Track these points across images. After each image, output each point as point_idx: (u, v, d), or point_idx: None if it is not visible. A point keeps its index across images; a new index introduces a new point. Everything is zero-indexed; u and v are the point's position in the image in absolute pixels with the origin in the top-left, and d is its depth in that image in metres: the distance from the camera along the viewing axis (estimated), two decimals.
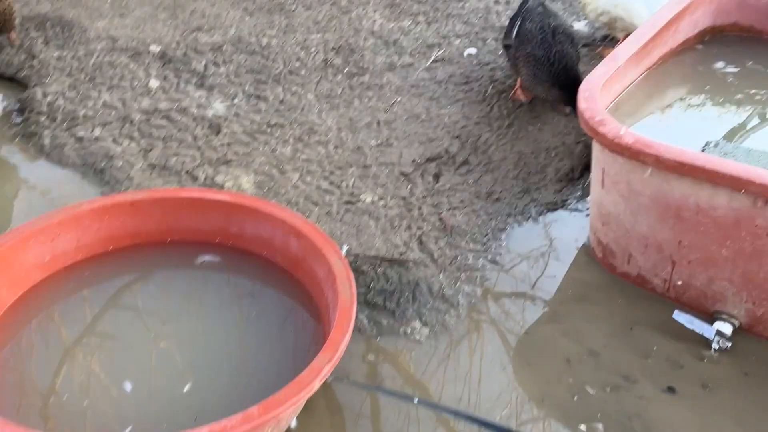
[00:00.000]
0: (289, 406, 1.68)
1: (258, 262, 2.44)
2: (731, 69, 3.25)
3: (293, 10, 4.76)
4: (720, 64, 3.29)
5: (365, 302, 2.55)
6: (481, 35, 4.51)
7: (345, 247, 2.68)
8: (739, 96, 3.06)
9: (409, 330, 2.46)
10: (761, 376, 2.32)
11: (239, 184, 3.06)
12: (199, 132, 3.40)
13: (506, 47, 3.67)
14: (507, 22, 3.78)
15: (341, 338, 1.87)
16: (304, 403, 1.93)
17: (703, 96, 3.09)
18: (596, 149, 2.58)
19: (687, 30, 3.34)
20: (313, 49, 4.22)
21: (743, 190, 2.12)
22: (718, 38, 3.47)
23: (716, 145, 2.60)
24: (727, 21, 3.49)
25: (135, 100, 3.66)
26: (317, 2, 4.90)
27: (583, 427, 2.15)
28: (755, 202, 2.15)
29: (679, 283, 2.54)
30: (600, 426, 2.15)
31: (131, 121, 3.50)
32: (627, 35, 3.07)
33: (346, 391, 2.23)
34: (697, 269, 2.44)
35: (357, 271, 2.62)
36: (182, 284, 2.37)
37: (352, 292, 2.04)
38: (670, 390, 2.28)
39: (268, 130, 3.45)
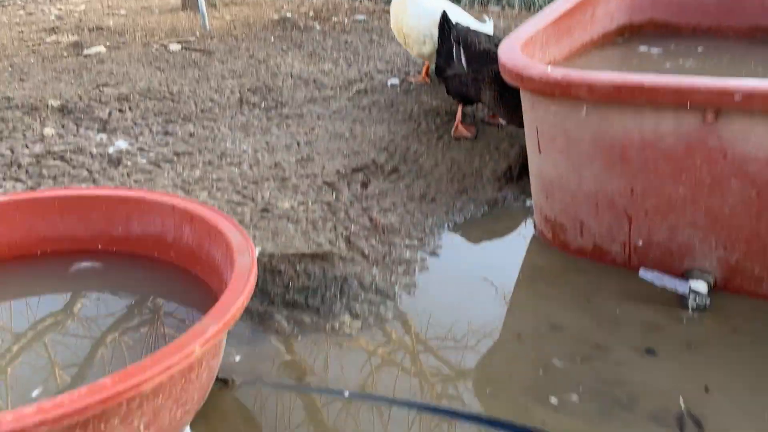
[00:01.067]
0: (158, 374, 1.24)
1: (148, 263, 2.03)
2: (655, 50, 3.16)
3: (207, 65, 4.60)
4: (644, 48, 3.20)
5: (283, 303, 2.15)
6: (403, 69, 4.41)
7: (258, 249, 2.30)
8: (667, 65, 2.94)
9: (337, 325, 2.05)
10: (753, 332, 1.99)
11: None
12: (96, 167, 3.04)
13: (446, 79, 3.39)
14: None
15: (232, 301, 1.46)
16: (188, 381, 1.48)
17: (632, 69, 2.96)
18: (526, 105, 2.35)
19: (604, 22, 3.26)
20: (227, 92, 4.01)
21: (688, 103, 1.88)
22: (637, 34, 3.42)
23: None
24: (642, 18, 3.45)
25: (26, 147, 3.29)
26: (233, 57, 4.77)
27: (554, 399, 1.74)
28: (704, 118, 1.91)
29: (640, 243, 2.24)
30: (574, 396, 1.75)
31: (19, 165, 3.12)
32: None
33: (258, 396, 1.77)
34: (656, 220, 2.16)
35: (273, 272, 2.23)
36: (47, 298, 1.93)
37: (252, 258, 1.66)
38: (650, 352, 1.91)
39: (175, 158, 3.13)
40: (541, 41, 2.62)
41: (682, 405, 1.71)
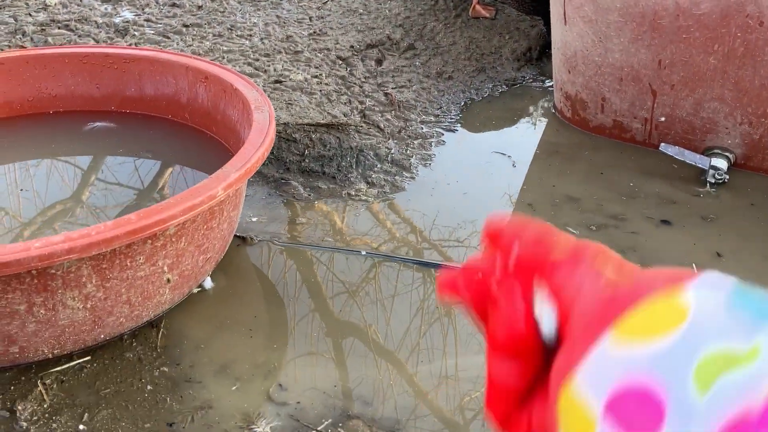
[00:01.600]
0: (182, 212, 1.24)
1: (163, 124, 2.00)
2: None
3: None
4: None
5: (299, 170, 2.14)
6: None
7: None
8: None
9: (353, 192, 2.05)
10: None
11: None
12: (102, 36, 2.95)
13: None
14: None
15: (253, 151, 1.45)
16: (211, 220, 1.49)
17: None
18: None
19: None
20: None
21: None
22: None
23: None
24: None
25: (29, 16, 3.18)
26: None
27: None
28: None
29: (662, 119, 2.19)
30: None
31: (23, 33, 3.02)
32: None
33: (273, 254, 1.80)
34: (682, 94, 2.10)
35: (288, 140, 2.20)
36: (61, 158, 1.91)
37: (270, 114, 1.63)
38: (666, 222, 1.92)
39: (184, 29, 3.02)
40: None
41: (694, 270, 1.73)
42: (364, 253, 1.78)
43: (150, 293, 1.37)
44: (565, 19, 2.25)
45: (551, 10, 2.35)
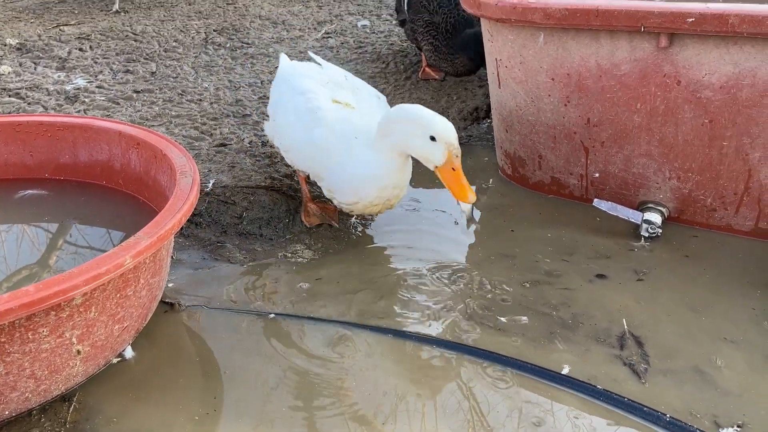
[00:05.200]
0: (84, 282, 1.22)
1: (97, 190, 1.99)
2: None
3: (174, 6, 4.48)
4: None
5: (236, 233, 2.13)
6: (375, 12, 4.32)
7: (211, 182, 2.26)
8: None
9: (289, 253, 2.04)
10: (703, 260, 2.01)
11: None
12: (52, 103, 2.97)
13: (401, 23, 3.34)
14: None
15: (168, 217, 1.44)
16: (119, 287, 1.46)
17: None
18: (486, 37, 2.30)
19: None
20: (192, 32, 3.90)
21: (642, 27, 1.85)
22: None
23: None
24: None
25: None
26: None
27: (502, 320, 1.75)
28: (658, 43, 1.88)
29: (597, 175, 2.23)
30: (524, 318, 1.76)
31: None
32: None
33: (204, 319, 1.77)
34: (612, 151, 2.15)
35: (227, 203, 2.21)
36: None
37: (194, 179, 1.63)
38: (600, 277, 1.93)
39: (135, 95, 3.06)
40: None
41: (625, 326, 1.73)
42: (272, 316, 1.75)
43: (58, 366, 1.34)
44: (498, 81, 2.32)
45: (488, 74, 2.42)
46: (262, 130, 2.73)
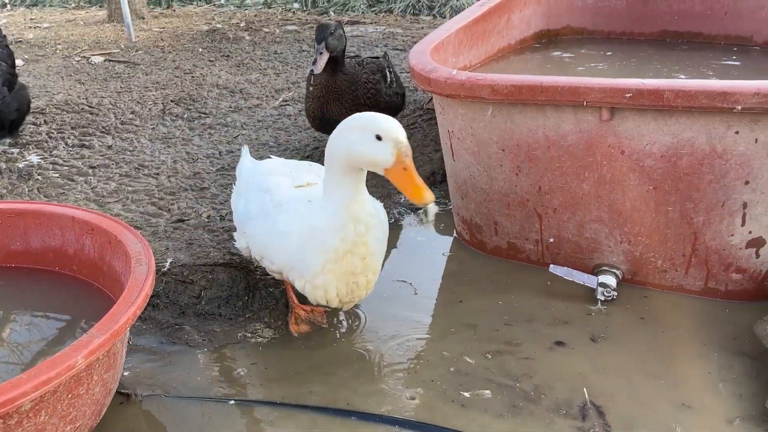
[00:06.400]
0: (33, 389, 1.19)
1: (51, 277, 1.95)
2: (567, 55, 3.26)
3: (131, 77, 4.50)
4: (557, 53, 3.29)
5: (195, 314, 2.10)
6: None
7: (169, 261, 2.24)
8: (579, 68, 3.03)
9: (249, 333, 2.01)
10: (658, 321, 2.05)
11: None
12: (4, 182, 2.92)
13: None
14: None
15: (122, 311, 1.42)
16: (68, 389, 1.41)
17: (546, 73, 3.03)
18: (438, 110, 2.37)
19: (521, 28, 3.34)
20: (150, 103, 3.92)
21: (585, 102, 1.94)
22: (554, 40, 3.51)
23: None
24: (559, 24, 3.55)
25: None
26: (158, 68, 4.68)
27: (465, 395, 1.75)
28: (601, 116, 1.97)
29: (551, 240, 2.28)
30: (486, 392, 1.76)
31: None
32: None
33: (162, 408, 1.72)
34: (564, 217, 2.21)
35: (185, 282, 2.18)
36: None
37: (149, 267, 1.61)
38: (559, 344, 1.95)
39: (90, 171, 3.03)
40: (453, 46, 2.66)
41: (586, 395, 1.74)
42: (231, 402, 1.72)
43: None
44: (452, 152, 2.38)
45: (441, 144, 2.49)
46: (221, 204, 2.73)
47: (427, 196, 1.62)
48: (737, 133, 1.86)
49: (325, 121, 2.95)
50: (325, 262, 1.75)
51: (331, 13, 6.61)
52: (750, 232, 2.00)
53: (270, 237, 1.85)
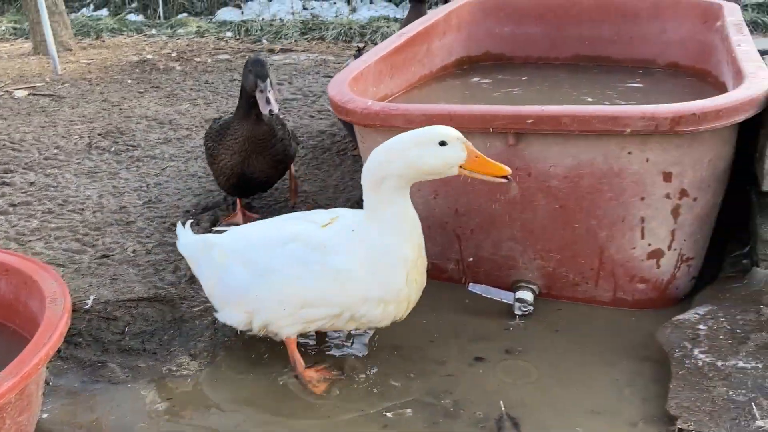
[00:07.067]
0: None
1: None
2: (486, 81, 3.40)
3: (56, 110, 4.42)
4: (476, 79, 3.44)
5: (118, 350, 2.09)
6: None
7: (91, 298, 2.22)
8: (496, 94, 3.18)
9: (174, 367, 2.01)
10: (572, 333, 2.17)
11: None
12: None
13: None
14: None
15: (33, 353, 1.41)
16: None
17: (465, 99, 3.16)
18: (359, 139, 2.45)
19: (442, 55, 3.47)
20: (75, 137, 3.86)
21: (491, 128, 2.05)
22: (474, 66, 3.65)
23: None
24: (479, 51, 3.70)
25: None
26: (85, 101, 4.62)
27: (388, 415, 1.80)
28: (507, 141, 2.08)
29: (471, 259, 2.38)
30: (408, 411, 1.82)
31: None
32: None
33: None
34: (480, 237, 2.31)
35: (108, 319, 2.16)
36: None
37: (65, 307, 1.61)
38: (479, 360, 2.03)
39: (11, 209, 2.97)
40: (373, 76, 2.75)
41: (503, 408, 1.82)
42: None
43: None
44: None
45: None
46: (147, 237, 2.72)
47: (507, 167, 1.77)
48: (630, 153, 2.00)
49: (245, 179, 2.58)
50: (408, 272, 1.83)
51: (264, 41, 6.67)
52: (650, 245, 2.14)
53: (322, 281, 1.81)
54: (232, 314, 1.95)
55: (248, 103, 2.48)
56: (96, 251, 2.59)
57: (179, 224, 2.18)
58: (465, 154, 1.76)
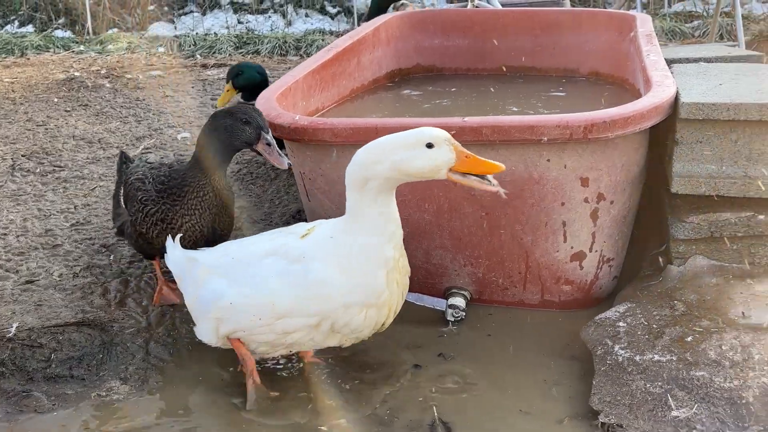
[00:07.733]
0: None
1: None
2: (416, 93, 3.47)
3: None
4: (407, 91, 3.50)
5: (44, 378, 2.03)
6: (196, 123, 4.40)
7: (14, 326, 2.15)
8: (425, 105, 3.25)
9: (104, 392, 1.97)
10: (504, 334, 2.24)
11: None
12: None
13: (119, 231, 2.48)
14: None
15: None
16: None
17: (395, 111, 3.22)
18: (290, 153, 2.46)
19: (373, 69, 3.52)
20: None
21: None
22: (406, 79, 3.72)
23: None
24: (410, 63, 3.77)
25: None
26: (8, 122, 4.44)
27: (324, 428, 1.82)
28: None
29: None
30: (343, 421, 1.84)
31: None
32: None
33: None
34: (412, 246, 2.34)
35: (33, 346, 2.10)
36: None
37: None
38: (417, 367, 2.07)
39: None
40: (303, 91, 2.77)
41: (435, 413, 1.86)
42: None
43: None
44: (306, 192, 2.47)
45: (297, 186, 2.57)
46: (75, 260, 2.64)
47: (499, 164, 1.70)
48: (549, 160, 2.09)
49: (217, 238, 2.19)
50: (388, 273, 1.79)
51: (198, 56, 6.59)
52: (572, 247, 2.23)
53: (299, 289, 1.78)
54: (207, 328, 1.90)
55: (226, 155, 2.15)
56: (19, 277, 2.51)
57: (168, 239, 2.07)
58: (454, 156, 1.70)
